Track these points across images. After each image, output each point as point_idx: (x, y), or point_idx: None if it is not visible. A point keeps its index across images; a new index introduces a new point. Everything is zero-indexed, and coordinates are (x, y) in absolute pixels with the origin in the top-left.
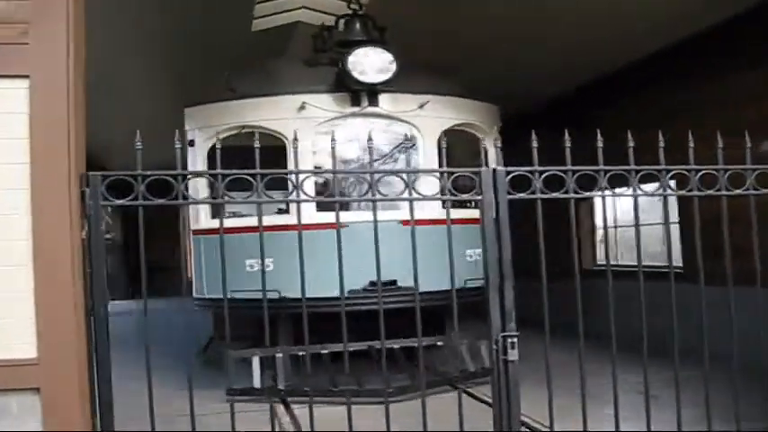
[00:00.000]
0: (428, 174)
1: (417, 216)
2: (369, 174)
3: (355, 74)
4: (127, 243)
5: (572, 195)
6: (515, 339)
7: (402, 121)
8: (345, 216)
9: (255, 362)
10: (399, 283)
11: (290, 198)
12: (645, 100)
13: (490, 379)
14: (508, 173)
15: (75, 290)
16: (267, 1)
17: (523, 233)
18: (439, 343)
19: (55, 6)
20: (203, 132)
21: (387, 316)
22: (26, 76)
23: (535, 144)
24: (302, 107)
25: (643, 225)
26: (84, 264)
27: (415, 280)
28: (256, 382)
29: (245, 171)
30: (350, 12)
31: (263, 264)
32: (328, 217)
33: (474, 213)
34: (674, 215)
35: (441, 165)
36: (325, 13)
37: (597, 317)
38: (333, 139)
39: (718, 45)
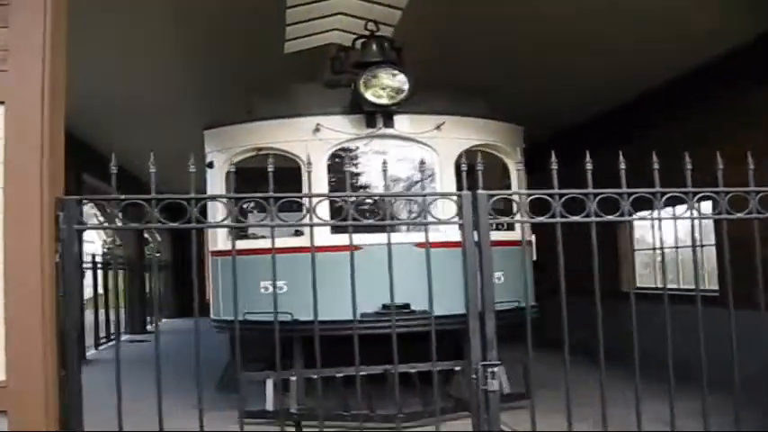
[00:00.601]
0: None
1: (432, 239)
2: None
3: (368, 95)
4: (176, 263)
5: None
6: (496, 369)
7: (418, 142)
8: (360, 238)
9: (269, 384)
10: (413, 307)
11: (303, 222)
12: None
13: (471, 409)
14: (490, 197)
15: (46, 313)
16: (298, 23)
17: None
18: (456, 368)
19: (33, 33)
20: (221, 154)
21: (400, 340)
22: (2, 102)
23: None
24: (317, 129)
25: (667, 248)
26: (56, 288)
27: (430, 303)
28: (269, 405)
29: (258, 195)
30: (367, 32)
31: (274, 287)
32: (343, 239)
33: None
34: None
35: (460, 188)
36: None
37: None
38: (344, 163)
39: (743, 66)
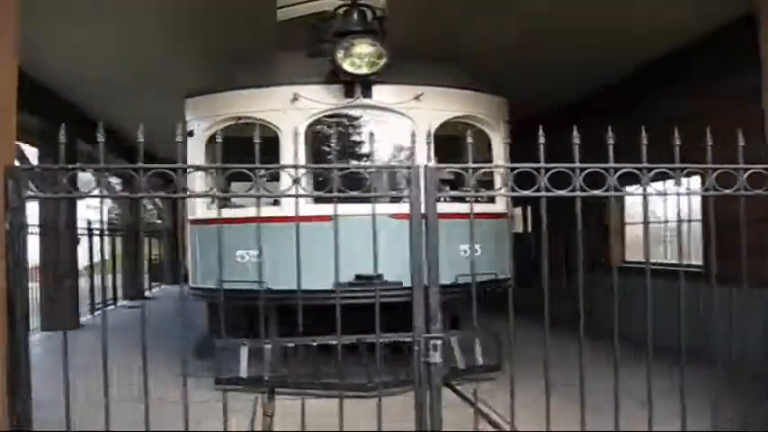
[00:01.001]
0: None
1: (406, 210)
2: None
3: (345, 65)
4: (175, 230)
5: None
6: (438, 342)
7: (396, 112)
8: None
9: (243, 352)
10: (386, 278)
11: (289, 193)
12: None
13: (414, 381)
14: (439, 170)
15: None
16: None
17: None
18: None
19: None
20: (202, 123)
21: (374, 310)
22: None
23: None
24: (295, 98)
25: (654, 223)
26: (7, 255)
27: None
28: (243, 372)
29: (244, 166)
30: (348, 1)
31: (260, 255)
32: (319, 209)
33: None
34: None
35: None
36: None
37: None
38: (324, 132)
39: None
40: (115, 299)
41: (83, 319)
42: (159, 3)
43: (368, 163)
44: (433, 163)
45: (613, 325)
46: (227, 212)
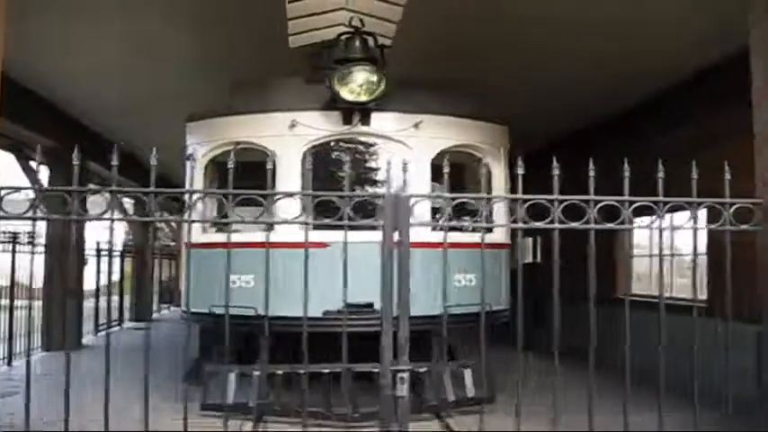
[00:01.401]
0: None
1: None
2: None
3: (342, 92)
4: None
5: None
6: (405, 374)
7: (394, 140)
8: (327, 235)
9: (231, 378)
10: (376, 306)
11: (274, 219)
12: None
13: (379, 414)
14: (412, 199)
15: None
16: (298, 18)
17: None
18: (421, 369)
19: None
20: (201, 147)
21: (364, 339)
22: None
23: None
24: (293, 125)
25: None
26: None
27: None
28: (230, 399)
29: (249, 192)
30: (351, 29)
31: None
32: (312, 236)
33: (470, 237)
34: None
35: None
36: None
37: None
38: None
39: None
40: (121, 320)
41: (85, 339)
42: (175, 30)
43: (344, 191)
44: (407, 192)
45: (620, 357)
46: (222, 237)
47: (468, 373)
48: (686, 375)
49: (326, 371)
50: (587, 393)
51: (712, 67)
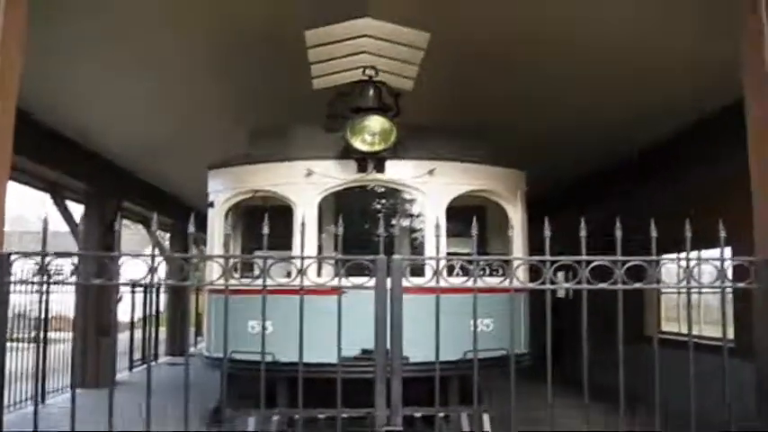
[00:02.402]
0: None
1: (425, 282)
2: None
3: (355, 142)
4: None
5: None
6: None
7: (409, 187)
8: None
9: (251, 423)
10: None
11: (294, 283)
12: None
13: None
14: (405, 261)
15: None
16: (321, 62)
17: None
18: (440, 414)
19: None
20: (221, 194)
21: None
22: None
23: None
24: (309, 173)
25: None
26: None
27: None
28: None
29: (252, 256)
30: (364, 77)
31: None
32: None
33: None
34: None
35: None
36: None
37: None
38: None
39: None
40: (156, 355)
41: (120, 376)
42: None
43: (334, 255)
44: (399, 256)
45: (651, 397)
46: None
47: (486, 418)
48: (716, 414)
49: (322, 416)
50: None
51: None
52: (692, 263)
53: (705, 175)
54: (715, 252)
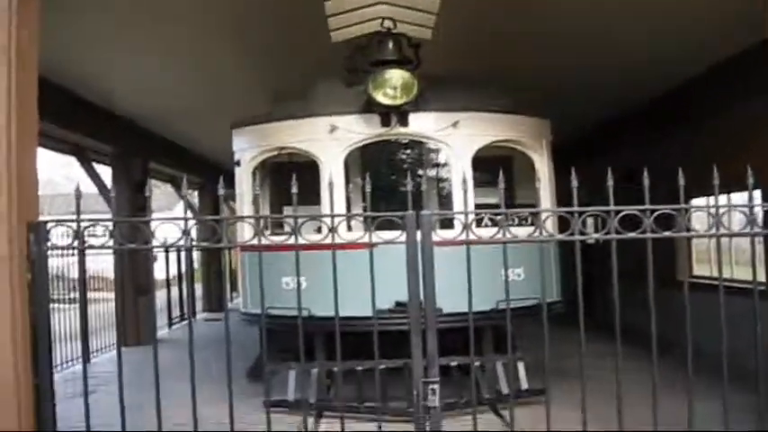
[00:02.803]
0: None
1: (447, 237)
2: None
3: (377, 96)
4: None
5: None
6: (437, 386)
7: (433, 140)
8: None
9: (291, 376)
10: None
11: (325, 241)
12: None
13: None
14: (435, 216)
15: (17, 328)
16: (338, 15)
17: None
18: (476, 363)
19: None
20: (247, 153)
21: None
22: None
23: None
24: (333, 129)
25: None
26: (30, 304)
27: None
28: (290, 395)
29: (283, 216)
30: (383, 29)
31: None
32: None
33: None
34: None
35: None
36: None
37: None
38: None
39: None
40: (194, 312)
41: (159, 334)
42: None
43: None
44: (428, 211)
45: (683, 341)
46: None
47: (521, 366)
48: (748, 356)
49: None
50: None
51: None
52: (721, 210)
53: (737, 114)
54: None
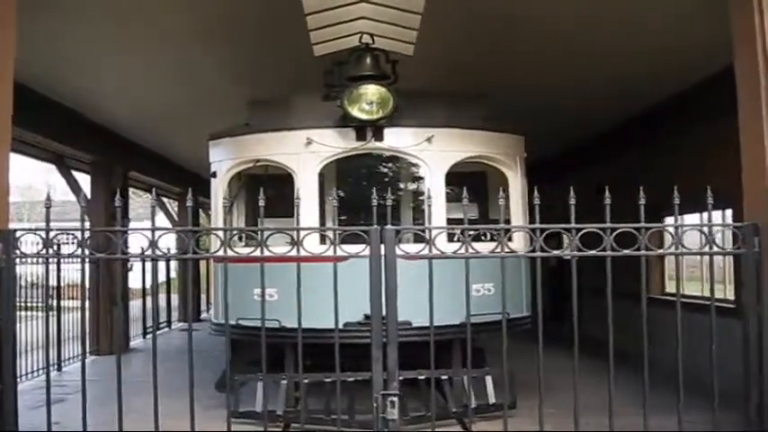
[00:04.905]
0: None
1: (418, 251)
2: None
3: (352, 110)
4: None
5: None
6: (396, 399)
7: (408, 155)
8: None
9: (259, 387)
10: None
11: (291, 254)
12: None
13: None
14: (397, 231)
15: None
16: (320, 29)
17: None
18: (443, 377)
19: None
20: (223, 164)
21: (383, 349)
22: None
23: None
24: (308, 142)
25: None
26: None
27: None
28: (258, 407)
29: (248, 228)
30: (361, 45)
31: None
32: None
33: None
34: None
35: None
36: (385, 37)
37: (658, 347)
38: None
39: None
40: (169, 322)
41: (134, 343)
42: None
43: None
44: (391, 226)
45: (659, 358)
46: (246, 250)
47: (489, 380)
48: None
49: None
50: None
51: None
52: (680, 230)
53: (709, 134)
54: (716, 214)
